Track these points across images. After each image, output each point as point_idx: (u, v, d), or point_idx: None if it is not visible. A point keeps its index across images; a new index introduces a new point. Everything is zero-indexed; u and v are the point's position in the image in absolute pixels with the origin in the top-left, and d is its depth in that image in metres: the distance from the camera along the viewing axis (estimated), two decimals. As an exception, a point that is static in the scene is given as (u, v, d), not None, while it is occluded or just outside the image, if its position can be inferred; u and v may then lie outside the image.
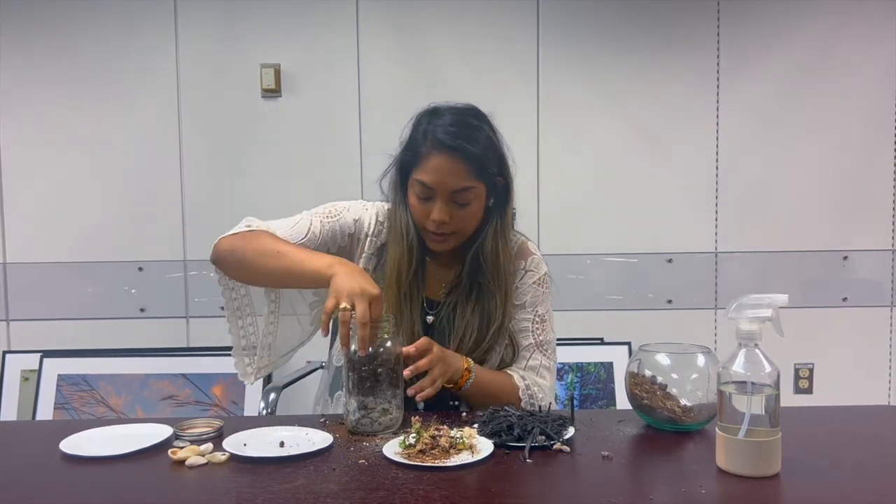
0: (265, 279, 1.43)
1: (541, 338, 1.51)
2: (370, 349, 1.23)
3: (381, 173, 1.51)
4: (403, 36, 2.79)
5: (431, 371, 1.30)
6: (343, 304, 1.22)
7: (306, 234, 1.46)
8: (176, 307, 2.84)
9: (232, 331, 1.51)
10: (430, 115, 1.44)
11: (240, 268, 1.42)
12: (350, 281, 1.25)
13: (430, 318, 1.49)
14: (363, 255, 1.51)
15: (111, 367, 2.75)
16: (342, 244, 1.50)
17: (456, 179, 1.37)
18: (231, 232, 1.44)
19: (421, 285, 1.48)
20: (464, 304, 1.47)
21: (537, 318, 1.51)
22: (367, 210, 1.53)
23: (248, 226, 1.45)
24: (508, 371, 1.48)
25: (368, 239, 1.51)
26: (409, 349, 1.28)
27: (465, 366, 1.38)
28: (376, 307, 1.25)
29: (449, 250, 1.47)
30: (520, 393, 1.43)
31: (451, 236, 1.43)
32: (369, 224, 1.51)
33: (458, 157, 1.37)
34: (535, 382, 1.47)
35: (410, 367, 1.26)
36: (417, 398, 1.28)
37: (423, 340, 1.30)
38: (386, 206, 1.53)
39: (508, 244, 1.49)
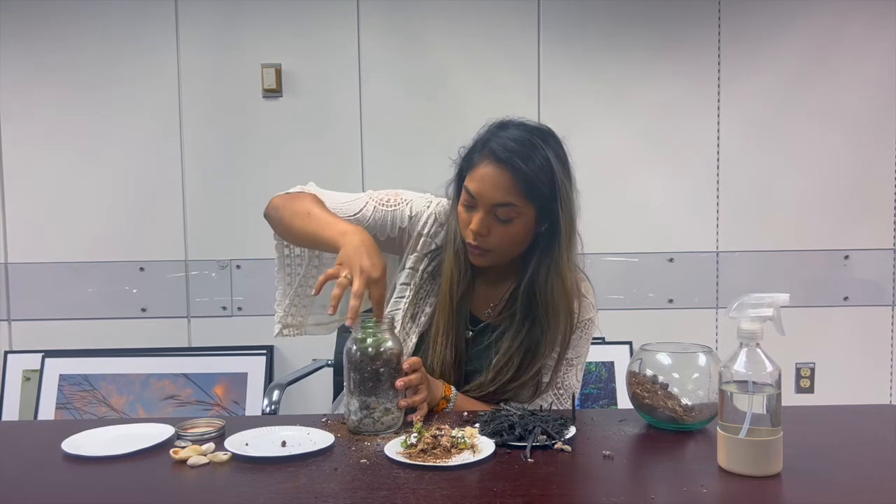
0: (297, 239, 1.45)
1: (558, 380, 1.45)
2: (371, 350, 1.23)
3: (449, 180, 1.47)
4: (404, 36, 2.79)
5: (419, 390, 1.29)
6: (343, 275, 1.24)
7: (355, 214, 1.45)
8: (177, 307, 2.84)
9: (279, 285, 1.53)
10: (497, 127, 1.40)
11: (280, 224, 1.46)
12: (356, 256, 1.25)
13: (469, 334, 1.46)
14: (413, 253, 1.48)
15: (112, 367, 2.76)
16: (391, 235, 1.47)
17: (499, 193, 1.32)
18: (285, 191, 1.48)
19: (469, 299, 1.45)
20: (513, 336, 1.42)
21: (564, 361, 1.45)
22: (428, 208, 1.49)
23: (303, 189, 1.46)
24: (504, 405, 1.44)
25: (422, 239, 1.48)
26: (404, 364, 1.27)
27: (445, 394, 1.37)
28: (376, 290, 1.25)
29: (498, 269, 1.44)
30: None
31: (490, 253, 1.38)
32: (425, 223, 1.48)
33: (505, 171, 1.32)
34: None
35: (403, 380, 1.24)
36: (410, 417, 1.26)
37: (415, 359, 1.29)
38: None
39: (567, 283, 1.40)
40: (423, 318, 1.46)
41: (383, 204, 1.47)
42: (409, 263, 1.49)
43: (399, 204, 1.48)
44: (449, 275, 1.42)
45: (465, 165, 1.40)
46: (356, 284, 1.22)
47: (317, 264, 1.53)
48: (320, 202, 1.43)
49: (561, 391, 1.46)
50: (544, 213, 1.37)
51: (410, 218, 1.48)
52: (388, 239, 1.48)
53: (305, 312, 1.55)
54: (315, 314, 1.56)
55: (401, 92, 2.78)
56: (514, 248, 1.40)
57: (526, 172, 1.32)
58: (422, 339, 1.46)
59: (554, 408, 1.44)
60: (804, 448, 1.11)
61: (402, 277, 1.49)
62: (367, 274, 1.23)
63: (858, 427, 1.26)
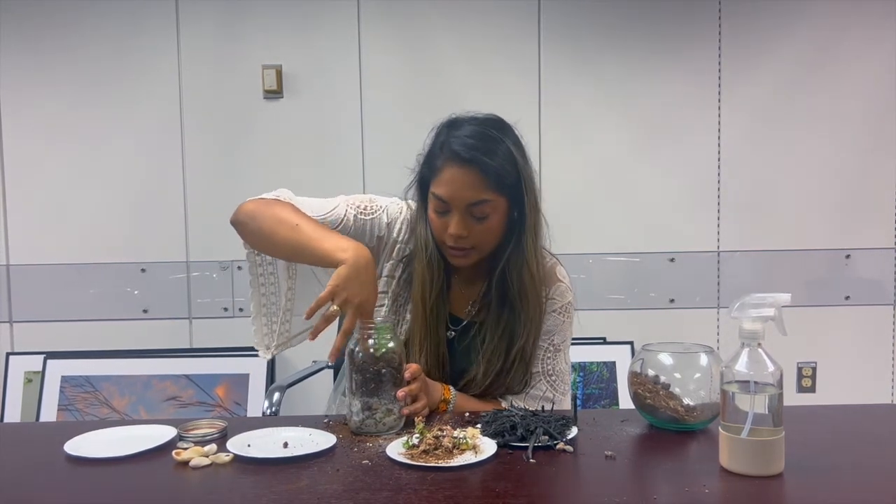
0: (279, 249, 1.40)
1: (549, 367, 1.45)
2: (372, 350, 1.23)
3: (406, 186, 1.47)
4: (405, 37, 2.79)
5: (420, 398, 1.29)
6: (334, 307, 1.23)
7: (339, 225, 1.43)
8: (179, 308, 2.84)
9: (253, 298, 1.50)
10: (449, 127, 1.40)
11: (257, 233, 1.40)
12: (352, 284, 1.24)
13: (451, 335, 1.46)
14: (390, 260, 1.48)
15: (114, 369, 2.76)
16: (370, 244, 1.45)
17: (471, 192, 1.33)
18: (258, 196, 1.43)
19: (445, 301, 1.45)
20: (493, 325, 1.42)
21: (551, 347, 1.46)
22: (401, 213, 1.48)
23: (277, 196, 1.43)
24: (503, 400, 1.44)
25: (398, 246, 1.47)
26: (405, 373, 1.26)
27: (444, 397, 1.37)
28: (367, 315, 1.26)
29: (471, 266, 1.43)
30: None
31: (472, 251, 1.38)
32: (399, 230, 1.48)
33: (473, 170, 1.32)
34: None
35: (404, 390, 1.24)
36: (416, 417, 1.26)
37: (415, 368, 1.29)
38: None
39: (537, 263, 1.41)
40: (404, 326, 1.46)
41: (362, 212, 1.46)
42: (385, 271, 1.48)
43: (376, 212, 1.47)
44: (421, 281, 1.42)
45: (428, 172, 1.39)
46: (347, 321, 1.23)
47: (292, 275, 1.49)
48: (302, 213, 1.39)
49: (553, 377, 1.46)
50: (515, 202, 1.39)
51: (388, 225, 1.47)
52: (367, 248, 1.48)
53: (288, 326, 1.51)
54: (298, 325, 1.53)
55: (402, 93, 2.78)
56: (493, 242, 1.40)
57: (492, 166, 1.33)
58: (405, 346, 1.44)
59: (549, 395, 1.45)
60: (806, 448, 1.11)
61: (380, 286, 1.47)
62: (361, 309, 1.24)
63: (860, 427, 1.26)
